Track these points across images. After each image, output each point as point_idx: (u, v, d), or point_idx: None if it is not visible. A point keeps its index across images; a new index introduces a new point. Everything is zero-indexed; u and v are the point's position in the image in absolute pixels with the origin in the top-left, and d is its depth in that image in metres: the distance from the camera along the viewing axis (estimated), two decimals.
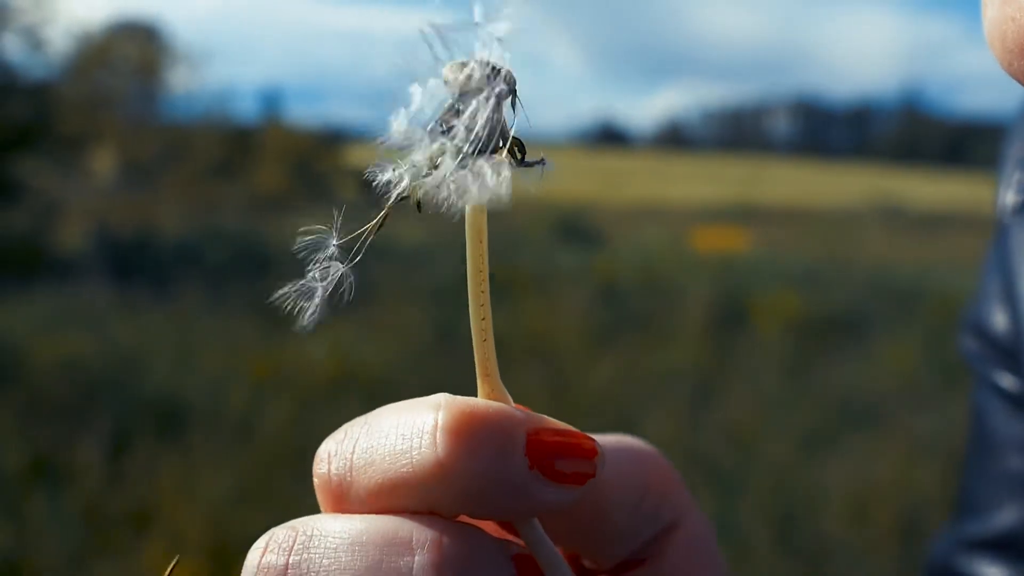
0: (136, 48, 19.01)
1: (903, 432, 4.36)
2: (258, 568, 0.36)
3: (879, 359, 5.71)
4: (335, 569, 0.35)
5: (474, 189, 0.34)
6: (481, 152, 0.34)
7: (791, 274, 8.70)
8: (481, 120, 0.34)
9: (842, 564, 3.11)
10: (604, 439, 0.40)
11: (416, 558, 0.34)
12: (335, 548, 0.35)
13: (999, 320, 0.75)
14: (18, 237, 8.69)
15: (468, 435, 0.35)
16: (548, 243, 10.12)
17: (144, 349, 5.29)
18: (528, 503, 0.35)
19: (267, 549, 0.36)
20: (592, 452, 0.36)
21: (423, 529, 0.35)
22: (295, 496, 3.43)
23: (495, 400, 0.37)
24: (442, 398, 0.36)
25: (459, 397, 0.37)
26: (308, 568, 0.35)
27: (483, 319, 0.37)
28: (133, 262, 8.06)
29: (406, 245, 8.98)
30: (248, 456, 3.78)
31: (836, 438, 4.30)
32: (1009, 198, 0.75)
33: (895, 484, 3.81)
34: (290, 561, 0.35)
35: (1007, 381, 0.74)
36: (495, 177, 0.34)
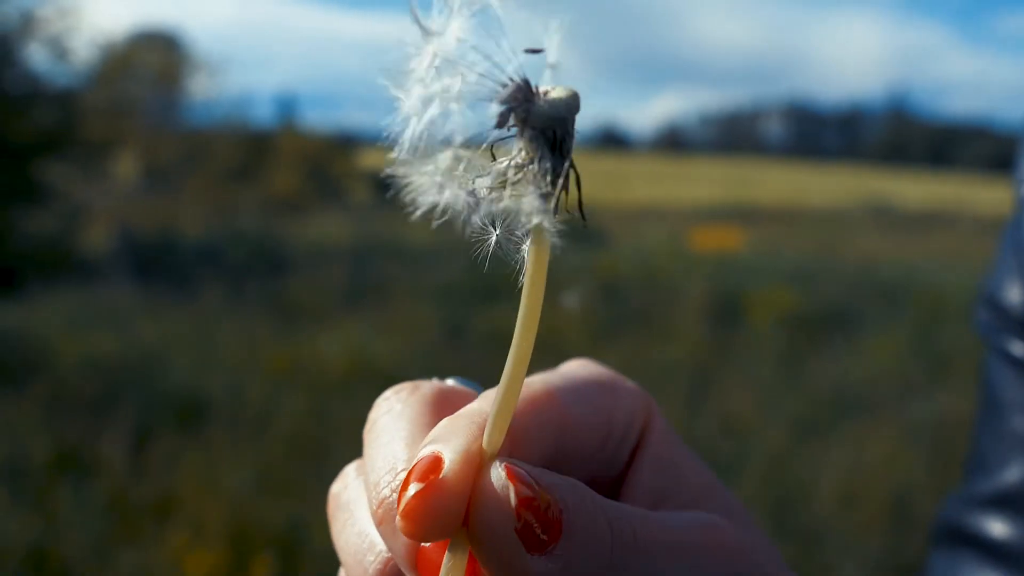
0: (157, 57, 19.04)
1: (892, 421, 4.35)
2: None
3: (869, 351, 5.70)
4: None
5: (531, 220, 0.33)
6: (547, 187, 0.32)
7: (784, 271, 8.70)
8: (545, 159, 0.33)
9: (833, 547, 3.11)
10: (562, 381, 0.39)
11: None
12: None
13: (1014, 293, 0.76)
14: (45, 239, 8.70)
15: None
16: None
17: (166, 346, 5.30)
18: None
19: None
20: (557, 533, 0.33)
21: None
22: (311, 485, 3.43)
23: (491, 447, 0.34)
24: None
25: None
26: None
27: (522, 366, 0.35)
28: (155, 262, 8.08)
29: (416, 245, 8.98)
30: (266, 448, 3.78)
31: (828, 427, 4.30)
32: None
33: (884, 470, 3.80)
34: None
35: (1018, 349, 0.75)
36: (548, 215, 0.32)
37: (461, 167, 0.33)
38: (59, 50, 10.19)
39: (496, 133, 0.33)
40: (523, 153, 0.33)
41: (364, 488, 0.39)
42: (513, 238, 0.34)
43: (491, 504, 0.33)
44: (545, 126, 0.32)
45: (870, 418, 4.43)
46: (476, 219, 0.33)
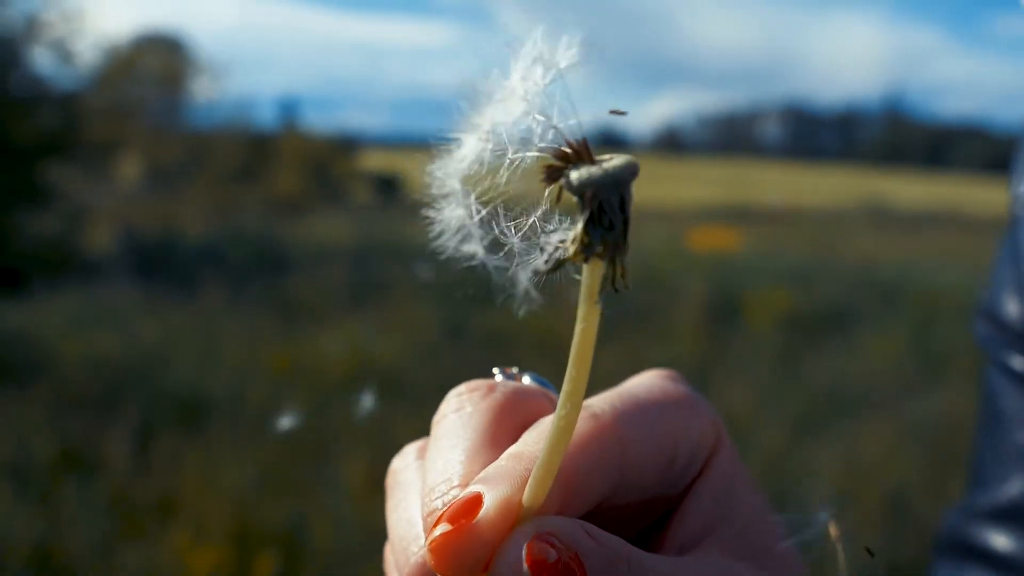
0: (160, 60, 19.03)
1: (889, 419, 4.35)
2: None
3: (865, 350, 5.70)
4: None
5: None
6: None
7: (782, 271, 8.70)
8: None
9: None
10: (628, 406, 0.39)
11: None
12: None
13: (1011, 307, 0.76)
14: (48, 240, 8.70)
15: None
16: None
17: (168, 345, 5.29)
18: None
19: None
20: None
21: None
22: (312, 484, 3.42)
23: (531, 502, 0.34)
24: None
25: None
26: None
27: (566, 435, 0.33)
28: (158, 263, 8.08)
29: (417, 244, 8.97)
30: (267, 447, 3.77)
31: (825, 425, 4.29)
32: (1022, 191, 0.75)
33: (880, 467, 3.80)
34: None
35: (1018, 363, 0.74)
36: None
37: (491, 217, 0.33)
38: (63, 53, 10.20)
39: (539, 190, 0.32)
40: (557, 217, 0.32)
41: (421, 478, 0.39)
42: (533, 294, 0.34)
43: (509, 567, 0.33)
44: (584, 192, 0.31)
45: (867, 416, 4.42)
46: (491, 270, 0.33)
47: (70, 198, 10.08)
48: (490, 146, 0.33)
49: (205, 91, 19.39)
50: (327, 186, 17.27)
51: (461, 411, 0.39)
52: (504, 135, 0.32)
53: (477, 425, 0.38)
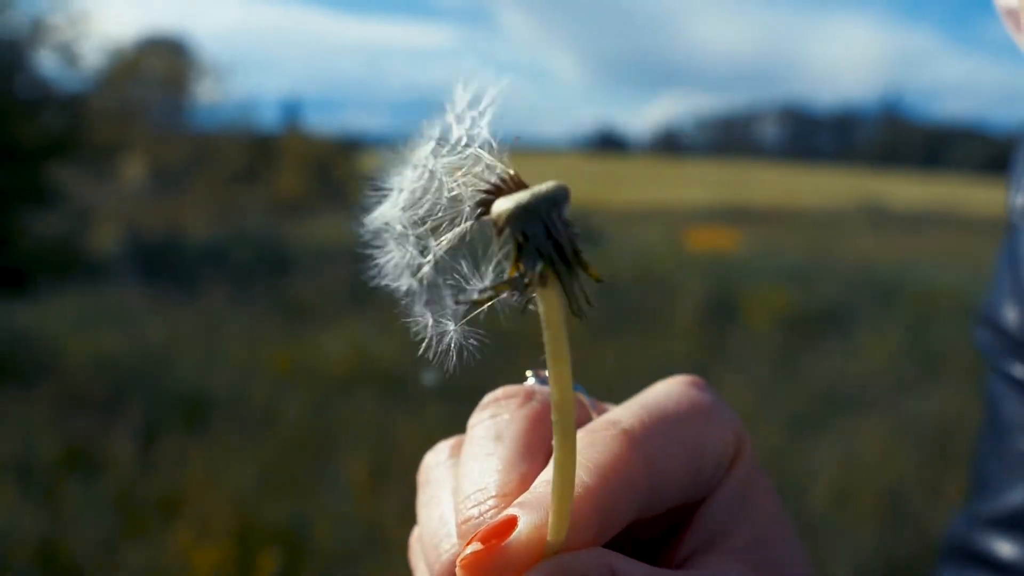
0: (164, 62, 19.05)
1: (885, 417, 4.35)
2: None
3: (862, 349, 5.70)
4: None
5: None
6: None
7: (779, 271, 8.70)
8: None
9: (827, 542, 3.10)
10: (654, 418, 0.38)
11: None
12: None
13: (1011, 315, 0.76)
14: (53, 241, 8.69)
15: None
16: None
17: (172, 345, 5.30)
18: None
19: None
20: None
21: None
22: (315, 483, 3.43)
23: (555, 535, 0.33)
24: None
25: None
26: None
27: (571, 458, 0.33)
28: (162, 263, 8.07)
29: None
30: (270, 445, 3.77)
31: (822, 424, 4.30)
32: (1020, 200, 0.75)
33: (878, 466, 3.80)
34: None
35: (1019, 371, 0.74)
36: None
37: (428, 256, 0.33)
38: (68, 56, 10.21)
39: (470, 225, 0.33)
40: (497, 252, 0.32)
41: (453, 477, 0.40)
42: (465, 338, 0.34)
43: None
44: (504, 225, 0.30)
45: (864, 415, 4.42)
46: (419, 308, 0.34)
47: (75, 199, 10.08)
48: (424, 184, 0.33)
49: (208, 93, 19.40)
50: (329, 187, 17.25)
51: (498, 418, 0.39)
52: (438, 174, 0.33)
53: (514, 434, 0.38)
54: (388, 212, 0.34)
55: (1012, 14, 0.54)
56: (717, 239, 11.65)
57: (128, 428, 3.77)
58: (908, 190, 28.14)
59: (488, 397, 0.41)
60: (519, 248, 0.30)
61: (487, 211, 0.31)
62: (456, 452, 0.41)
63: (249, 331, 5.64)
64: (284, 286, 7.19)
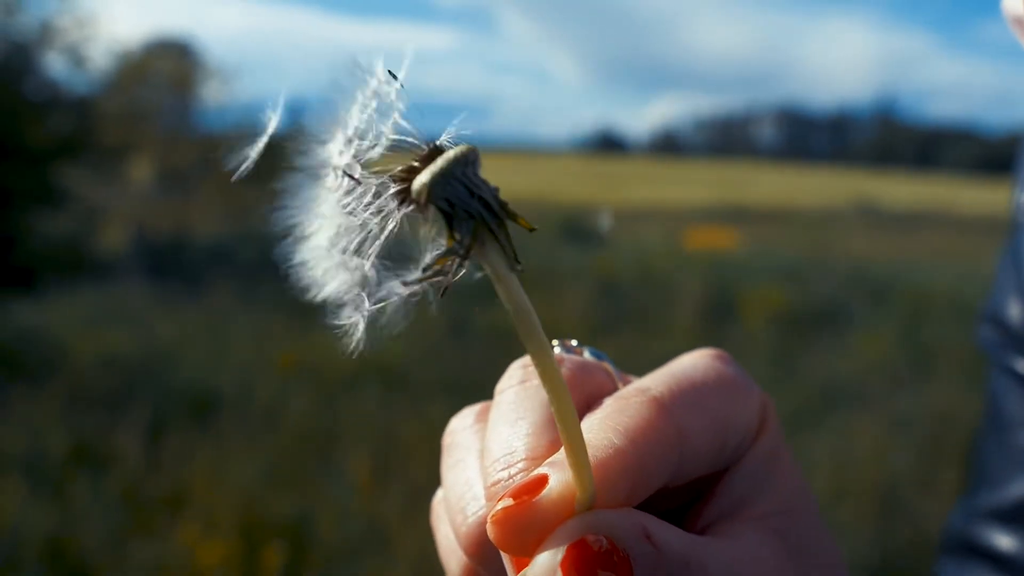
0: (171, 64, 19.02)
1: (880, 414, 4.35)
2: None
3: (858, 347, 5.70)
4: None
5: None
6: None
7: (776, 270, 8.69)
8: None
9: None
10: (683, 389, 0.38)
11: None
12: None
13: (1014, 311, 0.76)
14: (62, 241, 8.68)
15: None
16: (552, 242, 10.11)
17: (179, 343, 5.29)
18: None
19: None
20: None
21: None
22: (319, 479, 3.42)
23: (582, 494, 0.33)
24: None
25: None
26: None
27: (573, 424, 0.33)
28: (169, 263, 8.08)
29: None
30: (276, 442, 3.77)
31: (818, 420, 4.29)
32: (1023, 200, 0.75)
33: (873, 462, 3.80)
34: None
35: (1021, 366, 0.74)
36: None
37: (350, 247, 0.33)
38: (76, 58, 10.20)
39: (397, 220, 0.32)
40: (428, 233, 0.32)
41: (480, 441, 0.39)
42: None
43: (552, 558, 0.32)
44: (425, 198, 0.30)
45: (859, 411, 4.42)
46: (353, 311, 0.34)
47: (83, 200, 10.07)
48: (342, 180, 0.33)
49: (215, 95, 19.37)
50: None
51: (527, 383, 0.39)
52: (353, 164, 0.33)
53: (544, 400, 0.38)
54: (314, 233, 0.33)
55: (1021, 22, 0.54)
56: (715, 239, 11.64)
57: (135, 425, 3.77)
58: (902, 190, 28.13)
59: (516, 364, 0.40)
60: (448, 218, 0.30)
61: (408, 195, 0.31)
62: (482, 417, 0.41)
63: (255, 330, 5.64)
64: (290, 285, 7.18)
